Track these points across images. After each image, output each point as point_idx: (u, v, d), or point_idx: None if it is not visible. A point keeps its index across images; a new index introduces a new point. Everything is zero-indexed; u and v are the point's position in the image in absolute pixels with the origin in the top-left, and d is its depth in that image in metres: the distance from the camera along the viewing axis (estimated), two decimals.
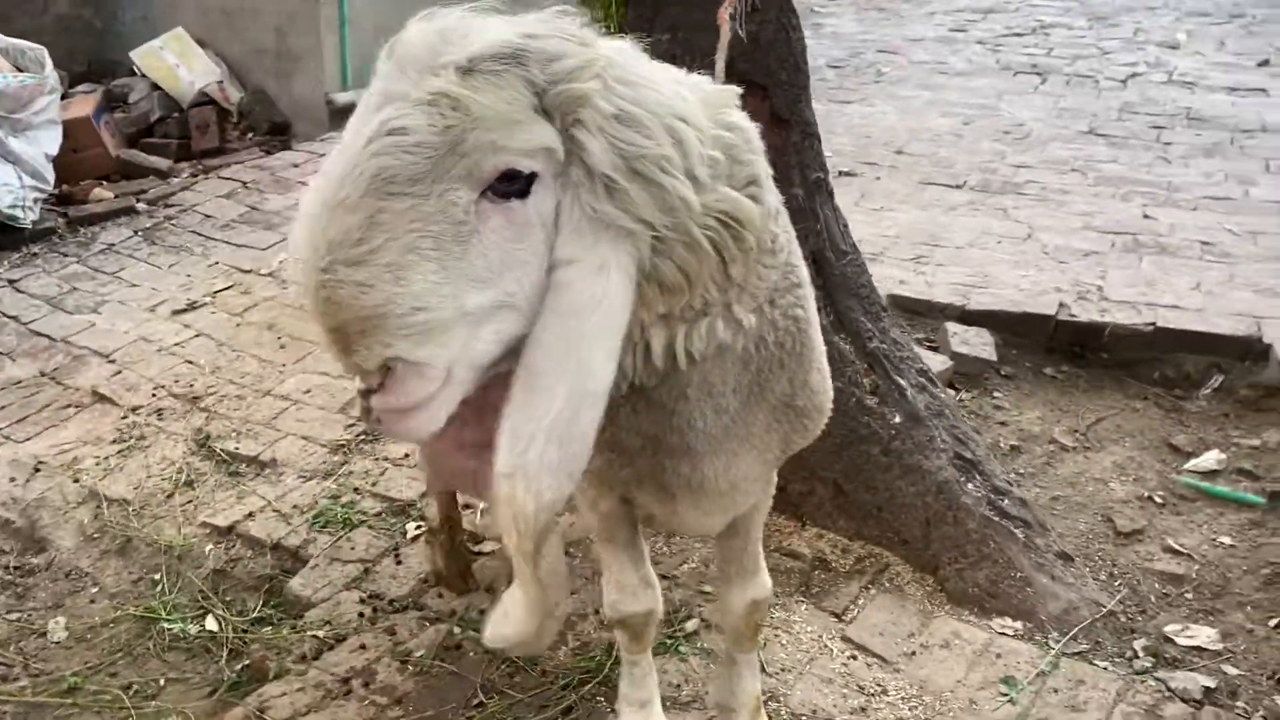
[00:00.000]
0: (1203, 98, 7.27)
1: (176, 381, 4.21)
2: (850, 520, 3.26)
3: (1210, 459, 3.71)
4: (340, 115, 6.66)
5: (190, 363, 4.36)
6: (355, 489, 3.48)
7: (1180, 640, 2.88)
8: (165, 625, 2.98)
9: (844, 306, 3.31)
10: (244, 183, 6.25)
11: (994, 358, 4.20)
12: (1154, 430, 3.90)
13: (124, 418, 4.00)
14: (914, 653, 2.76)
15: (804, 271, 1.80)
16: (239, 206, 5.95)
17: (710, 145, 1.43)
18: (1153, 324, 4.21)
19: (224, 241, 5.53)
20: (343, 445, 3.75)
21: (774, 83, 3.21)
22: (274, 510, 3.41)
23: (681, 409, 1.69)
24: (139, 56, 7.12)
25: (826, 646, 2.76)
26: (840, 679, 2.65)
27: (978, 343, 4.21)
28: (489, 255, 1.31)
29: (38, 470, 3.74)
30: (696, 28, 3.14)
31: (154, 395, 4.12)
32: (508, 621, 1.55)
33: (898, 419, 3.22)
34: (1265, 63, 7.90)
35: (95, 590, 3.17)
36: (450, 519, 2.96)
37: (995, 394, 4.09)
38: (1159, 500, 3.52)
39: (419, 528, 3.21)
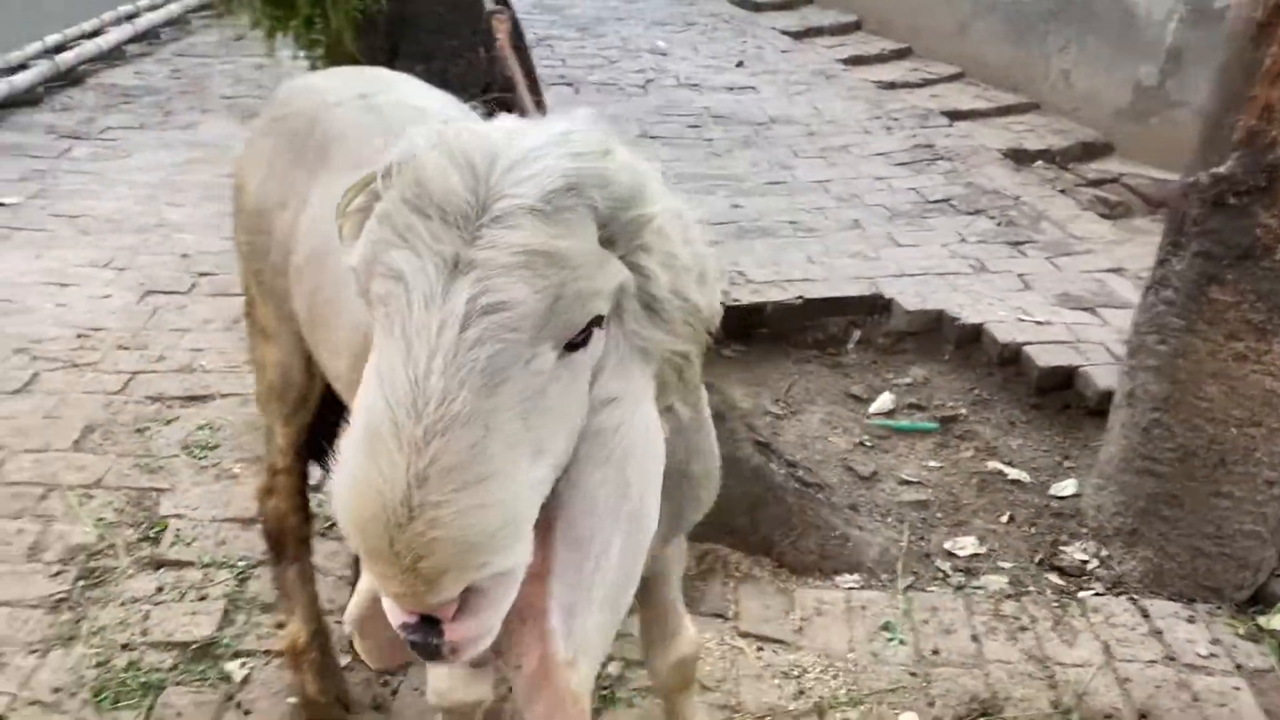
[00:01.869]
0: (711, 97, 8.31)
1: None
2: None
3: (885, 401, 4.39)
4: None
5: None
6: (125, 645, 2.83)
7: (959, 553, 3.43)
8: None
9: None
10: None
11: None
12: (833, 387, 4.51)
13: None
14: (800, 628, 2.98)
15: None
16: None
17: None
18: (800, 297, 4.84)
19: None
20: (62, 599, 3.01)
21: None
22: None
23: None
24: None
25: (735, 646, 2.87)
26: (766, 673, 2.79)
27: None
28: (548, 418, 1.12)
29: None
30: (451, 55, 3.01)
31: None
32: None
33: None
34: (740, 64, 9.20)
35: None
36: (320, 630, 2.56)
37: None
38: (869, 444, 4.11)
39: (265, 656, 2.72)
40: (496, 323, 1.04)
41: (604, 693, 2.66)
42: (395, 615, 1.09)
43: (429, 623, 1.07)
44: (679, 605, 2.19)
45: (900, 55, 9.27)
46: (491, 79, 3.05)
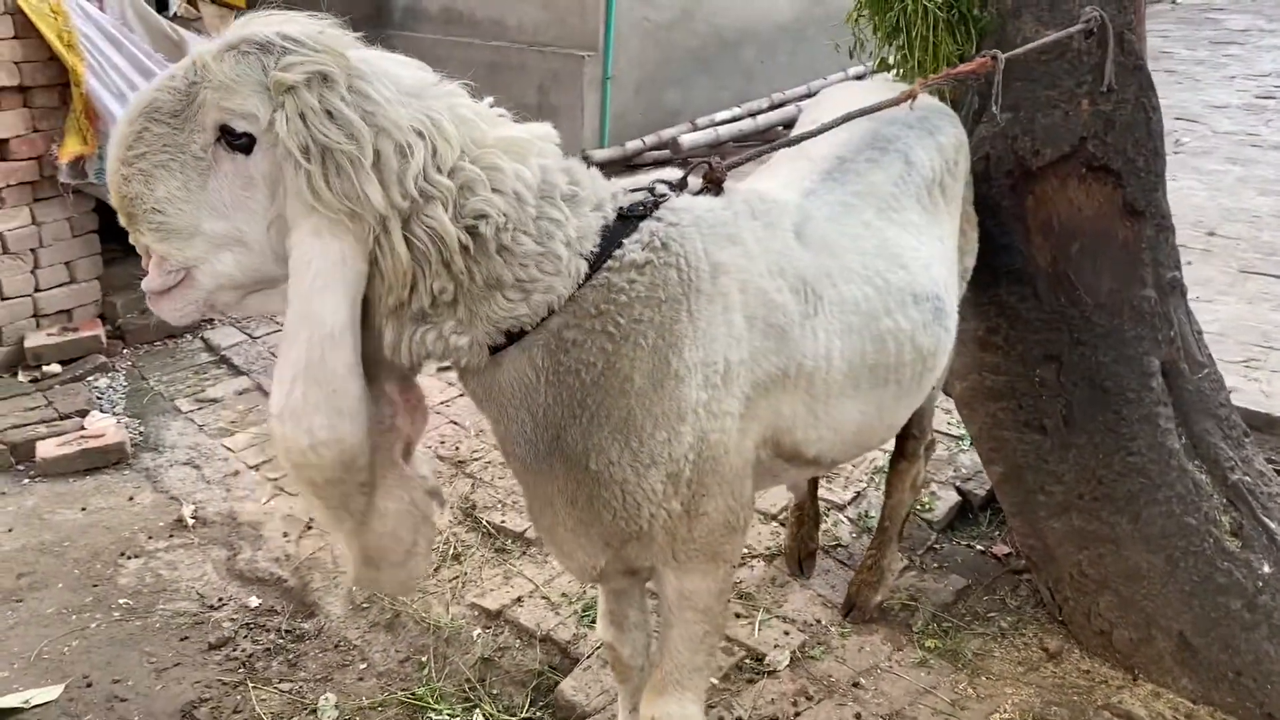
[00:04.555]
0: None
1: (442, 443, 4.17)
2: (1197, 681, 2.78)
3: None
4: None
5: (455, 424, 4.33)
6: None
7: None
8: (433, 716, 2.85)
9: (1200, 429, 2.86)
10: None
11: None
12: None
13: None
14: None
15: (642, 329, 1.78)
16: None
17: (439, 169, 1.61)
18: None
19: None
20: None
21: (1130, 169, 2.81)
22: (541, 597, 3.26)
23: (502, 425, 1.87)
24: None
25: None
26: None
27: None
28: (223, 193, 1.61)
29: (310, 527, 3.75)
30: (1045, 105, 2.81)
31: (423, 454, 4.08)
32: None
33: (1266, 568, 2.73)
34: None
35: (364, 666, 3.09)
36: (800, 507, 3.25)
37: None
38: None
39: None
40: (165, 81, 1.62)
41: None
42: None
43: None
44: (675, 669, 2.13)
45: None
46: (1090, 134, 2.76)
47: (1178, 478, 2.80)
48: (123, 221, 1.67)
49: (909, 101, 2.37)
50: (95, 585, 3.51)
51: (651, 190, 1.92)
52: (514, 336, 1.75)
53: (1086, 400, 2.88)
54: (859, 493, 3.74)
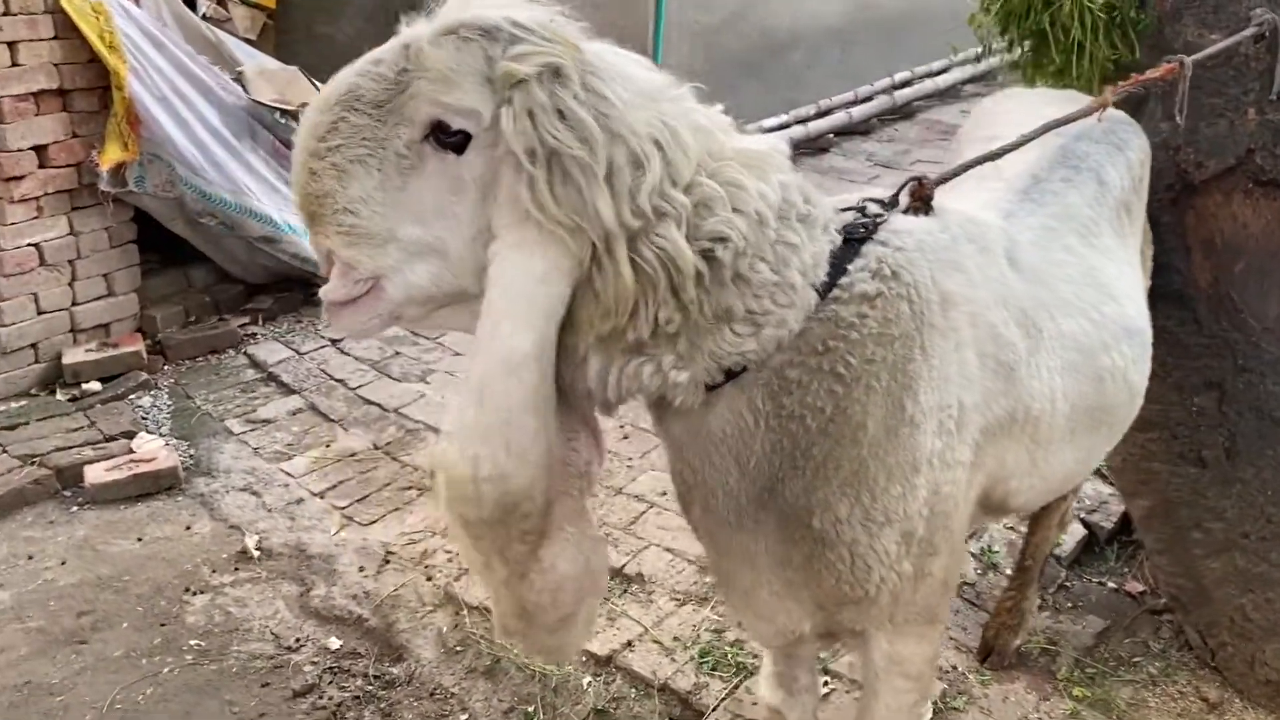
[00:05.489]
0: None
1: None
2: None
3: None
4: None
5: None
6: (740, 622, 3.05)
7: None
8: None
9: None
10: None
11: None
12: None
13: None
14: None
15: (875, 370, 1.56)
16: None
17: (674, 184, 1.41)
18: None
19: None
20: (705, 567, 3.34)
21: None
22: (653, 640, 3.03)
23: (700, 474, 1.65)
24: None
25: None
26: None
27: None
28: (424, 197, 1.42)
29: (387, 562, 3.52)
30: (1210, 114, 2.60)
31: None
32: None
33: None
34: None
35: (464, 717, 2.86)
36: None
37: None
38: None
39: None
40: (368, 67, 1.41)
41: None
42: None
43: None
44: None
45: None
46: (1257, 146, 2.57)
47: None
48: (304, 222, 1.50)
49: (1099, 113, 2.17)
50: (163, 624, 3.27)
51: (863, 210, 1.71)
52: (732, 374, 1.53)
53: (1254, 432, 2.67)
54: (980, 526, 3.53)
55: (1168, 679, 2.86)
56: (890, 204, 1.71)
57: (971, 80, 9.45)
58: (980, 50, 3.14)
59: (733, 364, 1.51)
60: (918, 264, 1.63)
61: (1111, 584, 3.21)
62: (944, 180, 1.84)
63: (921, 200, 1.81)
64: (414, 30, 1.41)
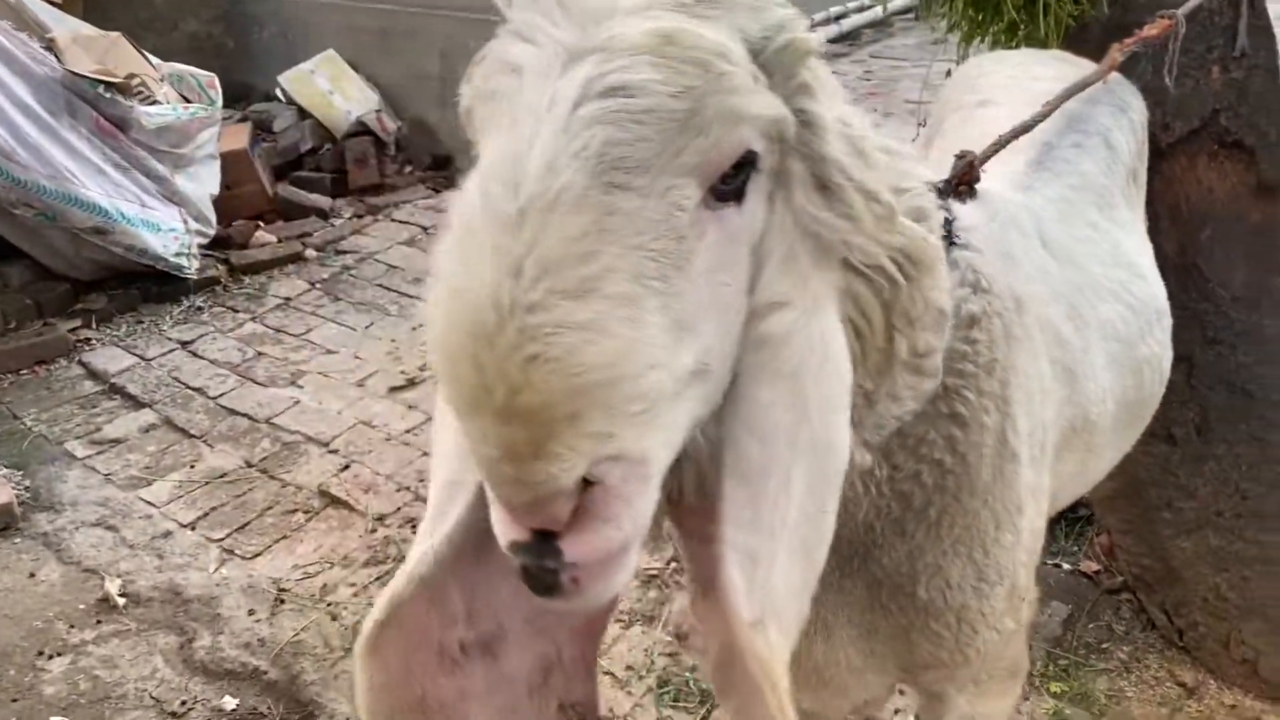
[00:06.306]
0: None
1: (421, 481, 3.55)
2: None
3: None
4: None
5: (428, 455, 3.70)
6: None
7: None
8: None
9: None
10: (424, 228, 5.62)
11: None
12: None
13: (371, 530, 3.33)
14: None
15: (986, 404, 1.27)
16: (426, 255, 5.31)
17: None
18: None
19: (421, 299, 4.88)
20: (653, 576, 3.06)
21: (1263, 144, 2.51)
22: (603, 671, 2.73)
23: None
24: (288, 81, 6.52)
25: None
26: None
27: None
28: (698, 290, 0.85)
29: (281, 601, 3.08)
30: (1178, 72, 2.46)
31: (399, 499, 3.46)
32: None
33: None
34: None
35: None
36: None
37: None
38: None
39: None
40: (617, 106, 0.80)
41: None
42: (505, 530, 0.82)
43: (546, 539, 0.80)
44: None
45: None
46: (1222, 106, 2.45)
47: None
48: (534, 446, 0.76)
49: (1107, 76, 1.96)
50: (14, 700, 2.75)
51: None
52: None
53: (1225, 406, 2.57)
54: None
55: (1139, 664, 2.76)
56: (948, 191, 1.43)
57: (837, 40, 9.35)
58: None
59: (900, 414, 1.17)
60: (995, 267, 1.36)
61: (1066, 565, 3.10)
62: (988, 158, 1.58)
63: (966, 183, 1.55)
64: (588, 35, 0.83)
